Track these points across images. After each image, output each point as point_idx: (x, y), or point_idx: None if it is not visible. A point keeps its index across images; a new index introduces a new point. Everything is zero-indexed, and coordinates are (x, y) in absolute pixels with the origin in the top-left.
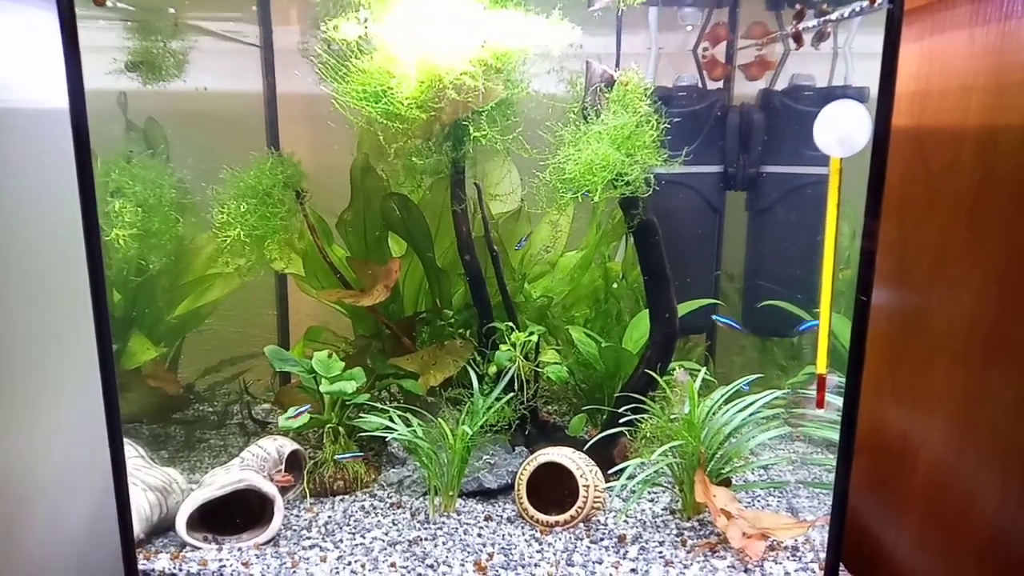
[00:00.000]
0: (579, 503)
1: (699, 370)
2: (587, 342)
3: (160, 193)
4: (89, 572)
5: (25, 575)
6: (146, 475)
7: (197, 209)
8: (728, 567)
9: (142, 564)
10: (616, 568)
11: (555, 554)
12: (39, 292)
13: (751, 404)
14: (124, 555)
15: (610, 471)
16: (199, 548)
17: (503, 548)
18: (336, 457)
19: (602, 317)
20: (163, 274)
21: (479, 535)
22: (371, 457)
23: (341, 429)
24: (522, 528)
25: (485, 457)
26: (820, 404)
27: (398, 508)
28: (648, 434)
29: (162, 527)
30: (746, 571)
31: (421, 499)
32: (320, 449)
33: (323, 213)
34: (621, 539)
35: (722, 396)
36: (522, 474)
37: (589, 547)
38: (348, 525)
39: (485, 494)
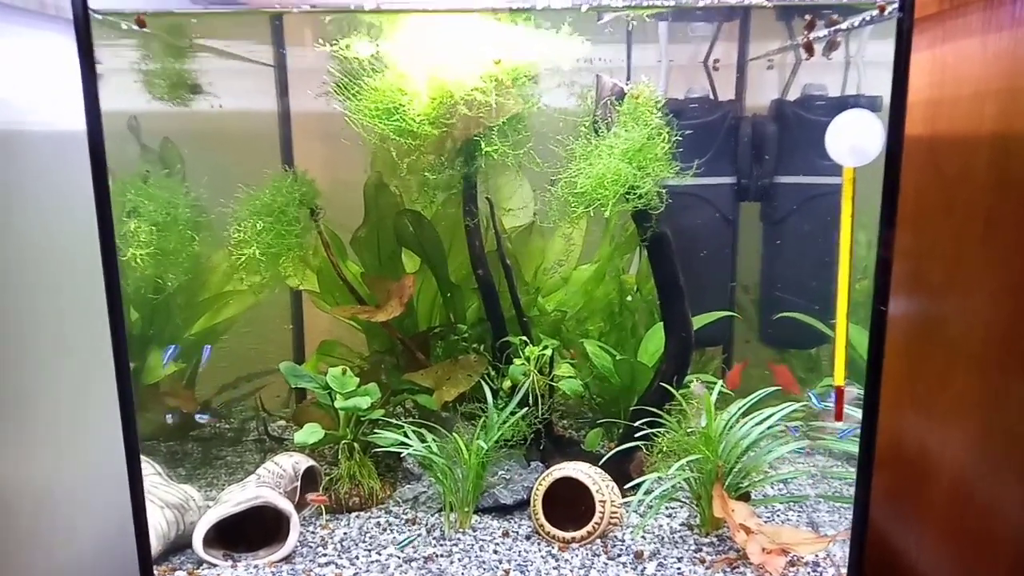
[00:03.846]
0: (596, 519)
1: (715, 383)
2: (602, 356)
3: (176, 212)
4: None
5: None
6: (163, 492)
7: (213, 227)
8: None
9: None
10: None
11: (572, 571)
12: (58, 311)
13: (769, 417)
14: (142, 572)
15: (627, 486)
16: (216, 565)
17: (519, 565)
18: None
19: (616, 330)
20: (180, 291)
21: (495, 551)
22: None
23: (356, 445)
24: (539, 544)
25: (500, 472)
26: (839, 417)
27: (413, 524)
28: (665, 448)
29: (179, 544)
30: None
31: (437, 515)
32: (336, 465)
33: (337, 230)
34: (638, 555)
35: (739, 409)
36: (538, 489)
37: (606, 563)
38: (364, 542)
39: (501, 510)
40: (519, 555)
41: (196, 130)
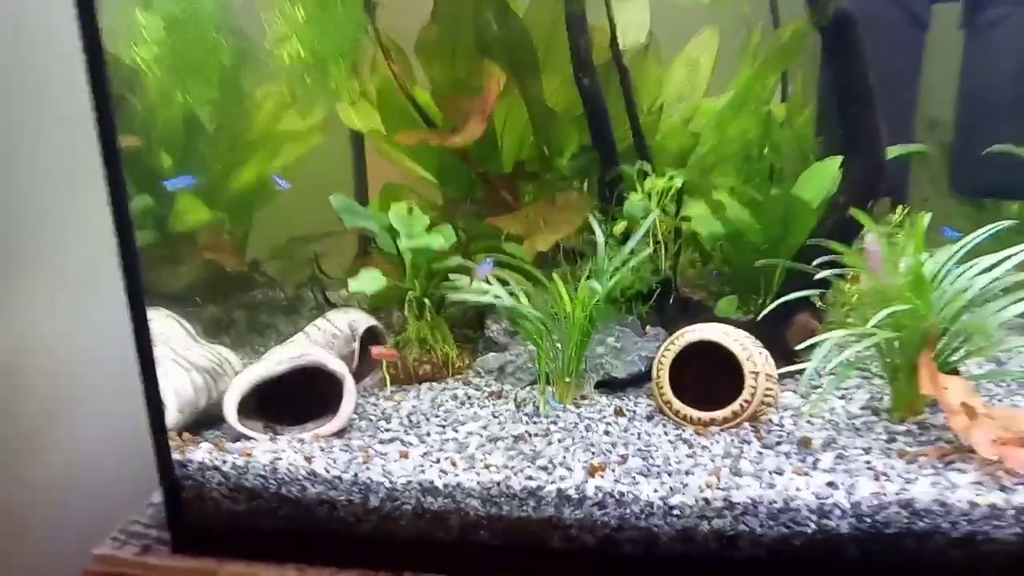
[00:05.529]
0: (745, 395)
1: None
2: (736, 207)
3: (198, 4)
4: (127, 464)
5: (61, 465)
6: (192, 353)
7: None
8: (972, 483)
9: (177, 455)
10: (805, 479)
11: (713, 460)
12: (69, 157)
13: (997, 264)
14: (155, 444)
15: (800, 348)
16: (253, 439)
17: (640, 450)
18: None
19: (755, 179)
20: (220, 133)
21: (607, 433)
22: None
23: (427, 302)
24: (664, 427)
25: (610, 340)
26: None
27: (499, 398)
28: (850, 300)
29: (214, 415)
30: (1002, 489)
31: (529, 389)
32: (403, 330)
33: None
34: (805, 443)
35: (957, 250)
36: (663, 357)
37: (761, 452)
38: (436, 416)
39: (611, 385)
40: (639, 438)
41: None
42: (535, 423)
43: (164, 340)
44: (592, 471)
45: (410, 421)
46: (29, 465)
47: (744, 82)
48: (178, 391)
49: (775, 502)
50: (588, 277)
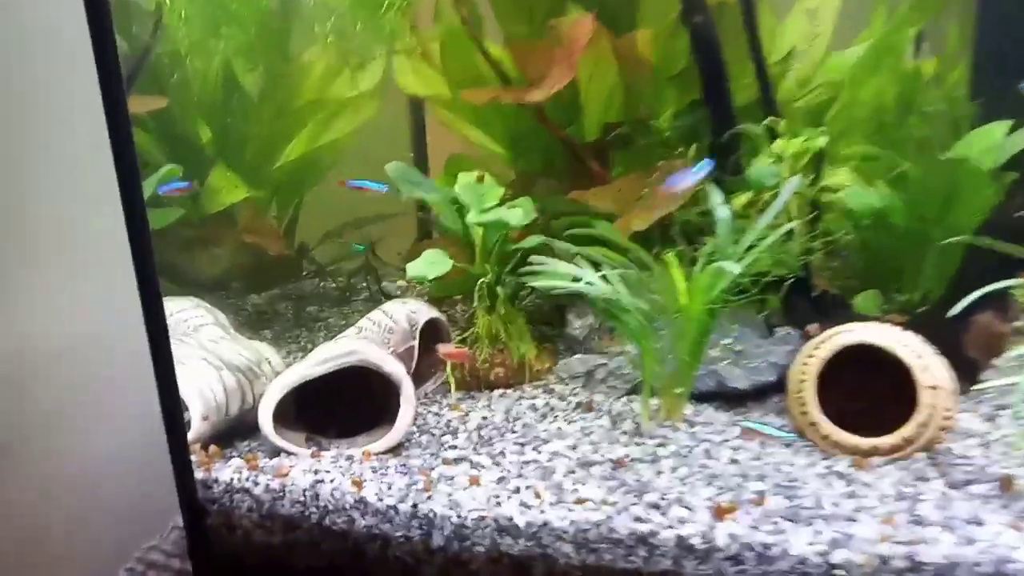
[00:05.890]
0: (920, 416)
1: None
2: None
3: None
4: (145, 478)
5: (66, 480)
6: (224, 349)
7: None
8: None
9: (201, 473)
10: (1018, 534)
11: (881, 502)
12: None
13: None
14: (174, 462)
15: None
16: (292, 455)
17: (782, 486)
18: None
19: (892, 147)
20: (265, 101)
21: (733, 460)
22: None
23: (500, 291)
24: (810, 455)
25: (726, 341)
26: None
27: (589, 411)
28: None
29: (247, 423)
30: None
31: (625, 400)
32: (471, 324)
33: None
34: (1007, 484)
35: None
36: (807, 365)
37: (946, 494)
38: (513, 432)
39: (728, 398)
40: (777, 470)
41: None
42: (639, 445)
43: (191, 333)
44: (719, 512)
45: (480, 437)
46: (28, 478)
47: (882, 32)
48: (204, 393)
49: (980, 565)
50: (710, 260)
